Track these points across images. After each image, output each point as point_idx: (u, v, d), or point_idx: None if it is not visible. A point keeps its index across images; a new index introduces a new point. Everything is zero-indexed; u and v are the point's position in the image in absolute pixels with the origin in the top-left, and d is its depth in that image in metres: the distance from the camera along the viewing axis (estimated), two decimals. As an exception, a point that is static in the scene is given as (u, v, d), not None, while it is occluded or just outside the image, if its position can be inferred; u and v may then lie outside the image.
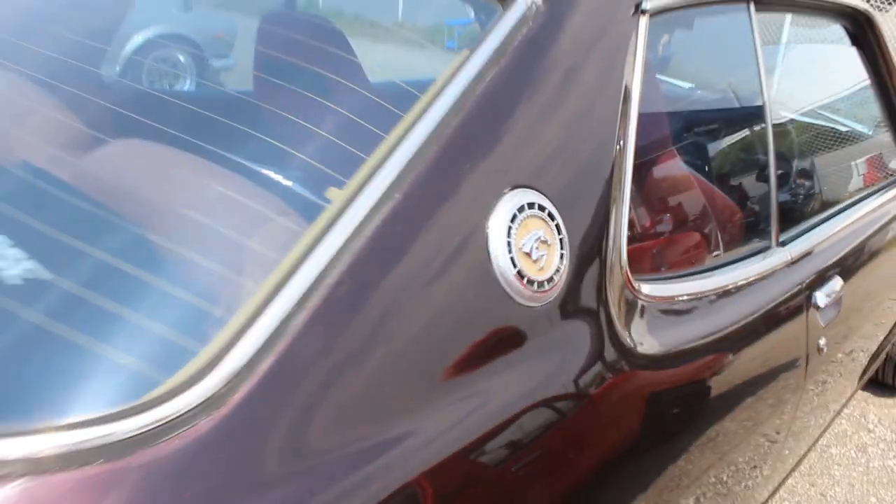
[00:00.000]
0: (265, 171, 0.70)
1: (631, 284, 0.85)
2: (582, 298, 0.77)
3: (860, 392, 2.77)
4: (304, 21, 1.45)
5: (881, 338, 2.16)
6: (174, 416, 0.51)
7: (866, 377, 2.29)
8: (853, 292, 1.54)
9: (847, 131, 1.91)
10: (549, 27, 0.81)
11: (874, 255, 1.70)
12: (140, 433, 0.50)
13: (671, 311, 0.93)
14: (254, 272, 0.60)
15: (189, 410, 0.51)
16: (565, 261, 0.74)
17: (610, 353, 0.78)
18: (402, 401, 0.60)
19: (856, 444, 2.47)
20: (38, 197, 0.67)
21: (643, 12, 0.92)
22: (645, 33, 0.92)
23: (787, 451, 1.57)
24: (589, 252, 0.78)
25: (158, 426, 0.50)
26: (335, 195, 0.63)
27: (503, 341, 0.68)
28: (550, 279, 0.72)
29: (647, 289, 0.88)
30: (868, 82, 1.79)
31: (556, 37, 0.81)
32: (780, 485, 1.76)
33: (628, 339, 0.82)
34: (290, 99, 0.81)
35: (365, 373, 0.58)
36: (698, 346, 0.97)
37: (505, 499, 0.66)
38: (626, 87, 0.88)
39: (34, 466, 0.47)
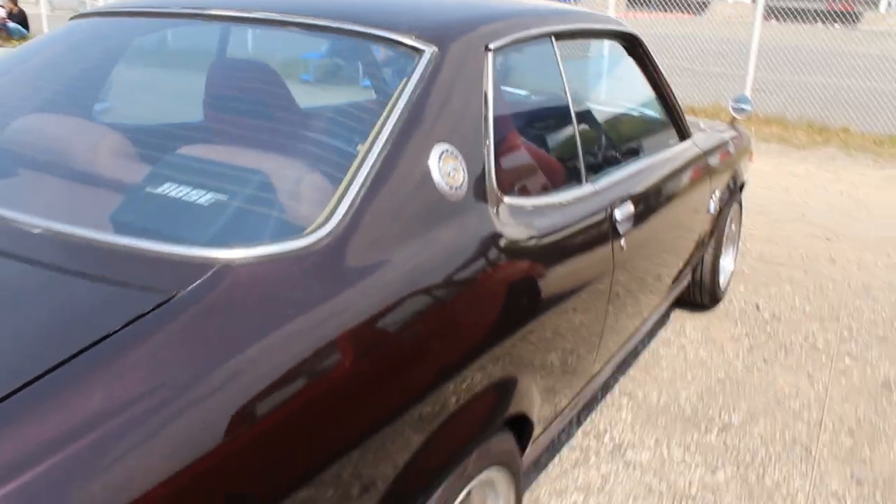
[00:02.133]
0: (331, 141, 1.39)
1: (498, 195, 1.59)
2: (475, 199, 1.50)
3: (679, 311, 3.67)
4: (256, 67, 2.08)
5: (681, 265, 3.00)
6: (318, 239, 1.19)
7: (673, 295, 3.13)
8: (647, 224, 2.33)
9: (632, 113, 2.77)
10: (443, 63, 1.54)
11: (662, 195, 2.51)
12: (300, 247, 1.17)
13: (521, 213, 1.67)
14: (336, 179, 1.29)
15: (324, 236, 1.20)
16: (466, 179, 1.48)
17: (487, 228, 1.51)
18: (406, 230, 1.31)
19: (676, 346, 3.34)
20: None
21: (489, 50, 1.67)
22: (492, 62, 1.67)
23: (611, 343, 2.32)
24: (476, 176, 1.52)
25: (309, 244, 1.18)
26: (361, 148, 1.33)
27: (439, 214, 1.39)
28: (461, 186, 1.45)
29: (507, 199, 1.62)
30: (642, 80, 2.65)
31: (446, 67, 1.54)
32: (613, 369, 2.51)
33: (497, 224, 1.55)
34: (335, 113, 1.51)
35: (388, 224, 1.28)
36: (540, 236, 1.71)
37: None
38: (485, 92, 1.62)
39: (265, 259, 1.14)
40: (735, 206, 3.70)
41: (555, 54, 1.99)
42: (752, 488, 2.36)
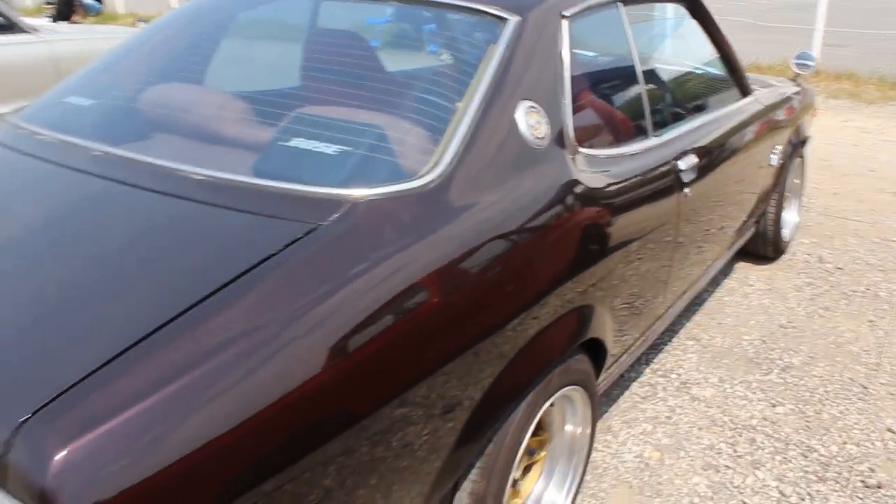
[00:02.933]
0: (433, 99, 1.62)
1: (575, 146, 1.79)
2: (555, 149, 1.72)
3: (743, 262, 3.81)
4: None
5: (743, 216, 3.15)
6: (429, 180, 1.43)
7: (737, 245, 3.29)
8: (709, 174, 2.49)
9: (695, 71, 2.92)
10: (525, 30, 1.75)
11: (724, 148, 2.66)
12: (414, 187, 1.41)
13: (595, 161, 1.87)
14: (440, 131, 1.52)
15: (434, 178, 1.43)
16: (549, 130, 1.69)
17: (566, 174, 1.72)
18: (499, 175, 1.53)
19: (740, 294, 3.49)
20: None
21: (564, 17, 1.87)
22: (567, 27, 1.87)
23: (676, 286, 2.50)
24: (556, 128, 1.73)
25: (421, 185, 1.42)
26: (459, 105, 1.56)
27: (525, 161, 1.61)
28: (544, 136, 1.67)
29: (582, 149, 1.83)
30: (704, 39, 2.80)
31: (528, 34, 1.75)
32: (678, 312, 2.70)
33: (575, 171, 1.76)
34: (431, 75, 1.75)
35: (484, 169, 1.51)
36: (611, 182, 1.91)
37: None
38: (561, 54, 1.83)
39: (387, 196, 1.38)
40: (798, 161, 3.80)
41: (622, 18, 2.18)
42: (811, 421, 2.53)
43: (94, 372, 1.03)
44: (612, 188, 1.89)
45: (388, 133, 1.55)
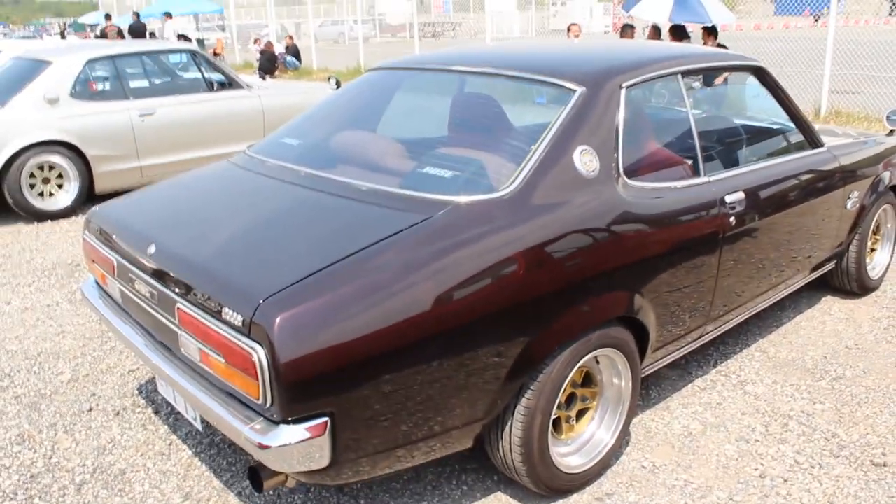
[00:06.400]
0: (517, 143, 2.45)
1: (623, 178, 2.52)
2: (607, 177, 2.46)
3: (831, 296, 4.26)
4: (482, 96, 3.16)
5: (812, 252, 3.60)
6: (505, 193, 2.23)
7: (811, 276, 3.77)
8: (759, 209, 3.05)
9: (756, 125, 3.53)
10: (589, 97, 2.52)
11: (777, 189, 3.18)
12: (495, 197, 2.22)
13: (641, 190, 2.56)
14: (517, 163, 2.33)
15: (509, 192, 2.24)
16: (599, 166, 2.44)
17: (611, 196, 2.44)
18: (557, 192, 2.31)
19: (818, 321, 3.96)
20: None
21: (622, 87, 2.62)
22: (624, 95, 2.62)
23: (728, 296, 3.03)
24: (607, 165, 2.47)
25: (500, 195, 2.22)
26: (533, 147, 2.36)
27: (579, 185, 2.36)
28: (595, 170, 2.42)
29: (630, 181, 2.54)
30: (771, 100, 3.42)
31: (590, 100, 2.52)
32: (739, 321, 3.27)
33: (620, 194, 2.47)
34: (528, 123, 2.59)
35: (546, 188, 2.29)
36: (653, 205, 2.60)
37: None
38: (617, 114, 2.57)
39: (477, 201, 2.20)
40: (888, 206, 4.21)
41: (680, 85, 2.88)
42: (843, 417, 3.03)
43: (300, 280, 1.92)
44: (654, 209, 2.59)
45: (485, 164, 2.38)
